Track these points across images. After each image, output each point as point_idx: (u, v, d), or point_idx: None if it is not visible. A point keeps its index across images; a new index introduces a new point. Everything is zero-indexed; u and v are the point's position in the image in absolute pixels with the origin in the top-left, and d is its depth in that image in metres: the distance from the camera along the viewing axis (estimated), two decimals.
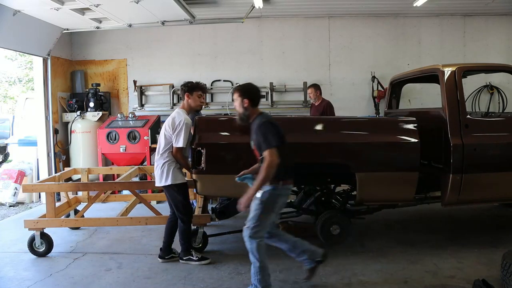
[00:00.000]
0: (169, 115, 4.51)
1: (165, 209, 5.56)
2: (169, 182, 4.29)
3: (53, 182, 5.22)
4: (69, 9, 6.04)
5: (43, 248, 4.73)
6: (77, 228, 5.67)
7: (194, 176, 4.43)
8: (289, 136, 4.39)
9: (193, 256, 4.40)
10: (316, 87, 6.84)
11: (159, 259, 4.51)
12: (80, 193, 6.25)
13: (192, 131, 4.43)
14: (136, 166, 6.24)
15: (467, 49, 8.35)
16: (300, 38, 8.43)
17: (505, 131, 4.75)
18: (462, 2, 7.67)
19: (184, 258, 4.42)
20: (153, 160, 7.35)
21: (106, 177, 7.46)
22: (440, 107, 4.74)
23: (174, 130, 4.22)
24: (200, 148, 4.33)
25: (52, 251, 4.78)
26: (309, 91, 6.95)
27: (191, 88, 4.40)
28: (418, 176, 4.48)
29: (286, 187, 3.58)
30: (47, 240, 4.76)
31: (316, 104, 6.84)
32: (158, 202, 7.02)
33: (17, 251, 4.92)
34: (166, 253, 4.51)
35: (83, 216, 5.25)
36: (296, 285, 3.88)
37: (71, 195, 5.83)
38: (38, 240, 4.71)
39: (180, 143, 4.22)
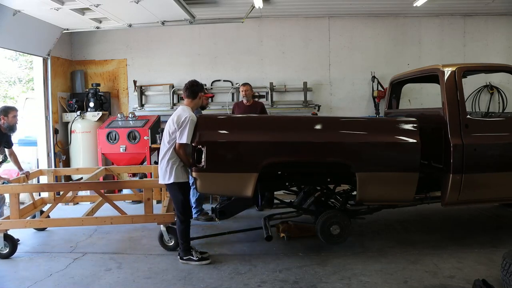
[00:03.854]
0: (169, 115, 4.56)
1: (131, 209, 5.65)
2: (172, 180, 4.33)
3: (18, 184, 5.22)
4: (69, 9, 6.03)
5: (7, 250, 4.70)
6: (43, 229, 5.66)
7: (194, 174, 4.42)
8: (289, 135, 4.46)
9: (193, 256, 4.41)
10: (251, 86, 6.60)
11: (178, 257, 4.52)
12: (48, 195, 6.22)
13: None
14: (103, 167, 6.34)
15: (467, 49, 8.34)
16: (300, 38, 8.43)
17: (505, 131, 4.74)
18: (462, 2, 7.67)
19: (184, 258, 4.43)
20: (153, 160, 7.41)
21: (106, 177, 7.45)
22: (440, 107, 4.74)
23: (180, 127, 4.25)
24: (200, 146, 4.33)
25: (16, 252, 4.76)
26: (246, 88, 6.45)
27: (201, 88, 4.62)
28: (418, 176, 4.48)
29: None
30: (11, 242, 4.74)
31: (248, 104, 6.51)
32: (134, 202, 7.06)
33: (17, 251, 4.89)
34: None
35: (48, 216, 5.26)
36: (296, 285, 3.88)
37: (38, 197, 5.88)
38: (1, 242, 4.67)
39: (183, 139, 4.25)
